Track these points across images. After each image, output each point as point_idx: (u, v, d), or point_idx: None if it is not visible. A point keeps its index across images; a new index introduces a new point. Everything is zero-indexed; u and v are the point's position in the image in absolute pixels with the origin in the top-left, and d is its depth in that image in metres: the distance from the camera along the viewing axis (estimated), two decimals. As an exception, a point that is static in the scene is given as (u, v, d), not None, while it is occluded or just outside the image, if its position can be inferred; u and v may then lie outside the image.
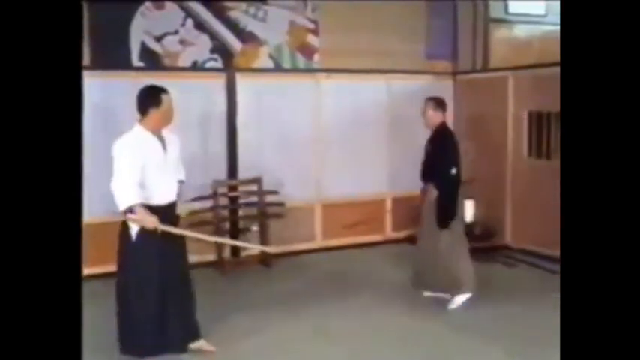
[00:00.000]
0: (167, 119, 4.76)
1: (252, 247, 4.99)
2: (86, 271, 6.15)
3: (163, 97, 4.67)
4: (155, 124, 4.68)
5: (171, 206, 4.83)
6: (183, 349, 4.80)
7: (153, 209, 4.59)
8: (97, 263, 6.65)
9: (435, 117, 6.14)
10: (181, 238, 4.87)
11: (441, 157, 6.06)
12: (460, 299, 5.93)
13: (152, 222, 4.53)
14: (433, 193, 6.01)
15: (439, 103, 6.16)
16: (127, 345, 4.78)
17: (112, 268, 6.85)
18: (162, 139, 4.74)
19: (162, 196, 4.73)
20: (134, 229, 4.62)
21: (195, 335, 4.88)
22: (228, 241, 5.23)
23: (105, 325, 5.13)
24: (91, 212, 6.45)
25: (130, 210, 4.52)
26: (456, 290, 5.94)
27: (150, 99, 4.63)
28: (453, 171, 6.02)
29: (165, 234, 4.60)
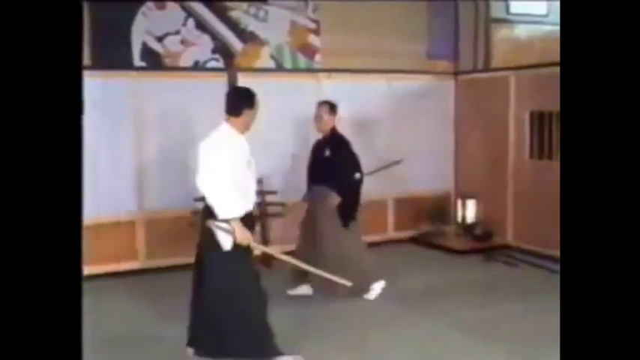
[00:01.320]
0: (252, 123, 4.66)
1: (338, 281, 4.84)
2: (87, 270, 6.17)
3: (256, 100, 4.57)
4: (245, 126, 4.56)
5: (251, 215, 4.64)
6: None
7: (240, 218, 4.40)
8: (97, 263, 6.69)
9: (330, 121, 6.15)
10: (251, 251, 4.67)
11: (344, 162, 6.08)
12: (378, 287, 6.18)
13: (248, 238, 4.37)
14: (335, 199, 6.01)
15: (333, 107, 6.15)
16: (211, 348, 4.56)
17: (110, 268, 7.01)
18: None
19: (248, 204, 4.55)
20: (226, 239, 4.40)
21: None
22: (317, 271, 4.94)
23: (105, 325, 5.15)
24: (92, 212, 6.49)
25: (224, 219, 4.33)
26: (368, 283, 6.14)
27: (247, 100, 4.52)
28: (357, 175, 6.12)
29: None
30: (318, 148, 6.27)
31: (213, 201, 4.33)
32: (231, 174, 4.34)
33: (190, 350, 4.65)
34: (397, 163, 7.64)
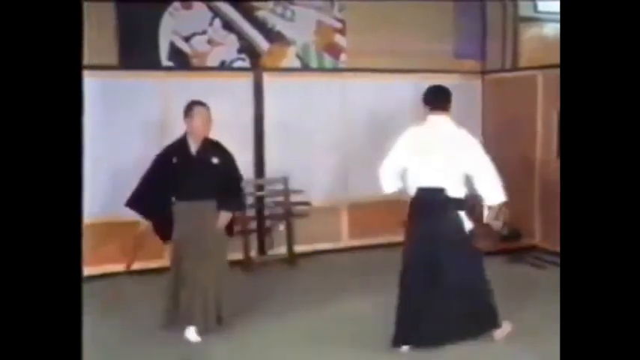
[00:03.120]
0: None
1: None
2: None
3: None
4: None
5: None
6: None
7: None
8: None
9: (210, 126, 5.36)
10: None
11: (233, 172, 5.44)
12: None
13: None
14: (226, 216, 5.32)
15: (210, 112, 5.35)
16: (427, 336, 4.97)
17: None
18: None
19: None
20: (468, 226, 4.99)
21: None
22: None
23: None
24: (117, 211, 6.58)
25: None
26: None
27: (450, 96, 5.18)
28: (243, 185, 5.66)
29: None
30: (199, 155, 5.34)
31: (494, 185, 4.91)
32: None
33: (405, 348, 4.97)
34: None
